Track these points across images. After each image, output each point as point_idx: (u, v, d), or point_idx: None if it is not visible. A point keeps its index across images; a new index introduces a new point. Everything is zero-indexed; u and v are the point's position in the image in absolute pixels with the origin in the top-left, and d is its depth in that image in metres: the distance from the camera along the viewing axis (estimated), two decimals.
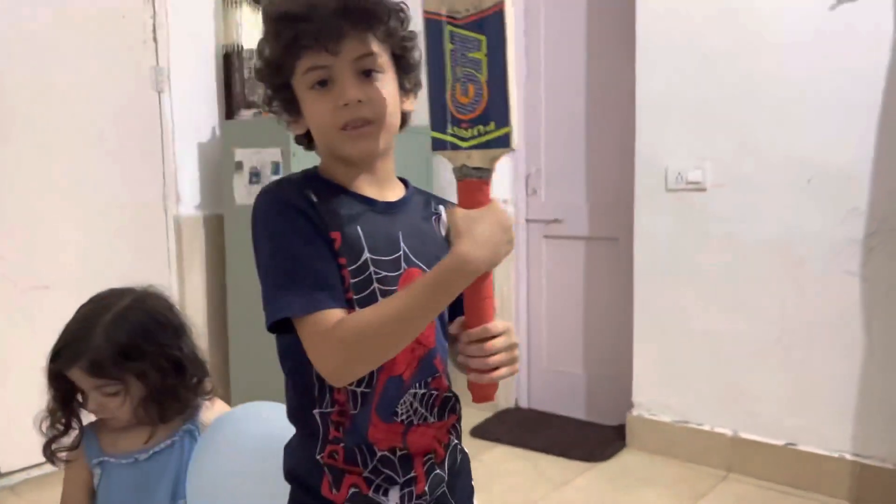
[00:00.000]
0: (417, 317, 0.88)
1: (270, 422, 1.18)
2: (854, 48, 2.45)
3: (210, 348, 3.33)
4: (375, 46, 0.94)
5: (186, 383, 1.27)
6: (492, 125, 0.88)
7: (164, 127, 3.15)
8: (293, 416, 1.01)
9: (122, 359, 1.19)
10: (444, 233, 0.93)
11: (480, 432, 3.20)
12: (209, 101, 3.31)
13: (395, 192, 1.03)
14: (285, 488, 1.00)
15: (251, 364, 3.15)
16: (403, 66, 0.99)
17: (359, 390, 0.95)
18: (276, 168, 2.90)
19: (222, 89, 3.33)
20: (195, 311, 3.27)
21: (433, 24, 0.88)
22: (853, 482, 2.53)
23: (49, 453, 1.24)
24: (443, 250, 0.88)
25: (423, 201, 1.06)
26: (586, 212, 3.32)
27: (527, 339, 3.52)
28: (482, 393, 0.93)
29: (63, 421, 1.24)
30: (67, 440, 1.25)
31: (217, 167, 3.26)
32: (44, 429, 1.24)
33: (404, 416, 0.97)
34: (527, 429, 3.23)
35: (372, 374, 0.95)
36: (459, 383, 1.00)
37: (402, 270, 0.97)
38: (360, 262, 0.94)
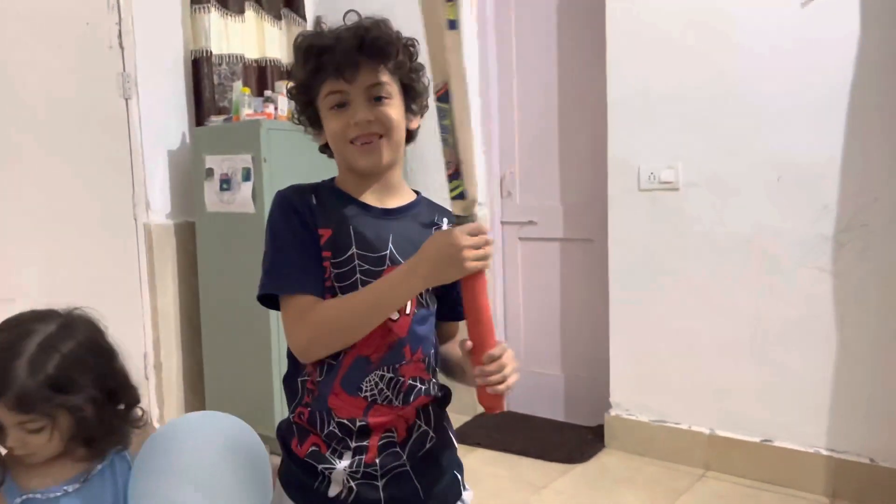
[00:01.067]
0: (377, 310, 1.05)
1: (204, 434, 1.17)
2: (822, 47, 2.47)
3: (183, 356, 3.28)
4: (385, 77, 1.11)
5: (119, 413, 1.17)
6: (461, 180, 1.08)
7: (133, 134, 3.09)
8: (285, 382, 1.19)
9: (52, 392, 1.06)
10: None
11: (459, 437, 3.14)
12: (178, 107, 3.25)
13: (398, 201, 1.18)
14: (232, 496, 1.10)
15: (225, 371, 3.11)
16: (410, 92, 1.16)
17: (326, 362, 1.11)
18: (246, 174, 2.86)
19: (192, 95, 3.28)
20: (167, 319, 3.22)
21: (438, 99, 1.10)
22: (829, 477, 2.55)
23: None
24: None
25: (428, 212, 1.21)
26: (561, 213, 3.32)
27: (504, 342, 3.50)
28: (497, 403, 1.06)
29: None
30: None
31: (187, 174, 3.21)
32: None
33: (368, 394, 1.10)
34: (506, 432, 3.22)
35: (349, 348, 1.09)
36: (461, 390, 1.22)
37: (385, 266, 1.10)
38: (345, 256, 1.10)
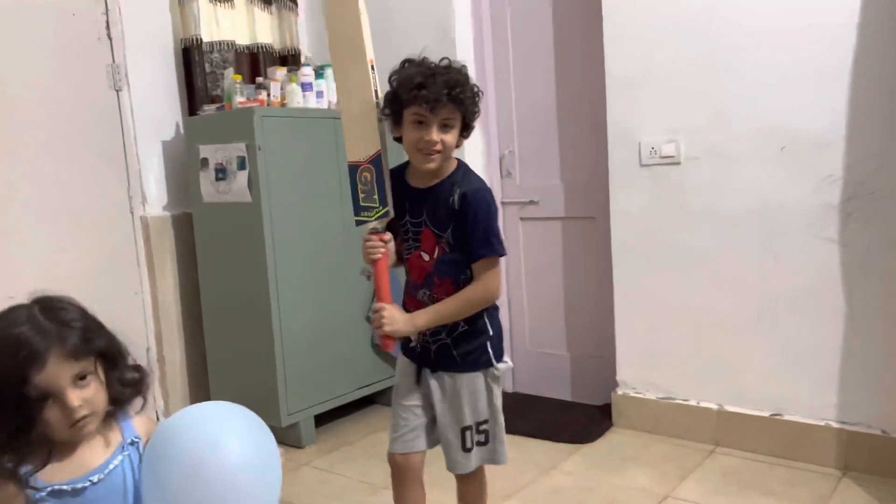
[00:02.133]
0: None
1: (210, 424, 1.18)
2: (822, 14, 2.41)
3: (186, 348, 3.27)
4: (456, 114, 1.66)
5: (129, 367, 1.21)
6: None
7: (125, 126, 3.06)
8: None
9: (86, 336, 1.11)
10: (456, 206, 1.69)
11: None
12: (170, 97, 3.21)
13: (436, 180, 1.73)
14: (237, 485, 1.13)
15: (228, 362, 3.09)
16: (466, 125, 1.70)
17: (405, 281, 1.83)
18: (241, 163, 2.82)
19: (183, 85, 3.24)
20: (169, 313, 3.20)
21: (351, 167, 1.76)
22: (840, 449, 2.53)
23: None
24: (448, 217, 1.70)
25: (450, 188, 1.71)
26: (562, 192, 3.28)
27: (509, 323, 3.49)
28: (383, 343, 1.75)
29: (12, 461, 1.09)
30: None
31: (182, 165, 3.17)
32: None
33: (422, 299, 1.77)
34: (513, 413, 3.16)
35: (408, 274, 1.81)
36: None
37: (423, 228, 1.74)
38: (403, 221, 1.77)
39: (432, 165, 1.67)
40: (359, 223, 1.77)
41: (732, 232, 2.67)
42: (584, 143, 3.18)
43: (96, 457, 1.16)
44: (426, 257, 1.74)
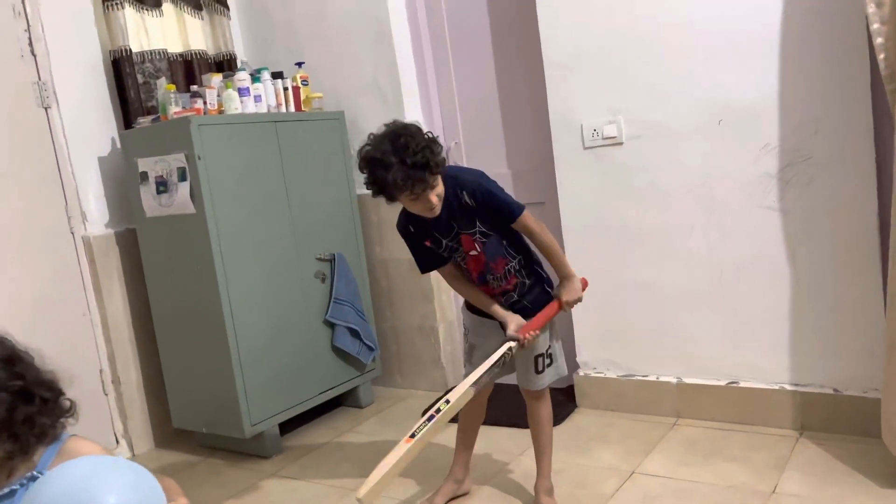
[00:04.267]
0: None
1: (93, 487, 1.07)
2: None
3: (142, 366, 3.20)
4: (432, 176, 1.93)
5: (40, 408, 1.20)
6: None
7: (58, 144, 2.96)
8: None
9: None
10: (472, 203, 2.03)
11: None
12: (103, 111, 3.12)
13: (440, 207, 2.03)
14: None
15: (186, 376, 3.03)
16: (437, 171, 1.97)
17: (470, 277, 2.21)
18: (182, 174, 2.76)
19: (116, 98, 3.15)
20: (120, 332, 3.12)
21: None
22: (796, 411, 2.60)
23: None
24: (468, 214, 2.05)
25: (454, 194, 2.03)
26: (510, 179, 3.29)
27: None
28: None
29: None
30: None
31: (121, 180, 3.09)
32: None
33: (491, 283, 2.17)
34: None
35: (470, 276, 2.19)
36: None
37: (459, 237, 2.09)
38: (443, 245, 2.12)
39: (437, 213, 2.01)
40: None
41: (678, 206, 2.71)
42: (528, 129, 3.19)
43: (5, 480, 1.19)
44: (475, 253, 2.11)
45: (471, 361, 2.29)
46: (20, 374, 1.19)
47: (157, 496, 1.13)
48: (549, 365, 2.26)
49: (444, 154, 1.96)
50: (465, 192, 2.02)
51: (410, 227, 2.13)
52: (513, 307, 2.18)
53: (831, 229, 2.45)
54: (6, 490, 1.19)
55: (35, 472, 1.20)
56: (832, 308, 2.50)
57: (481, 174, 2.09)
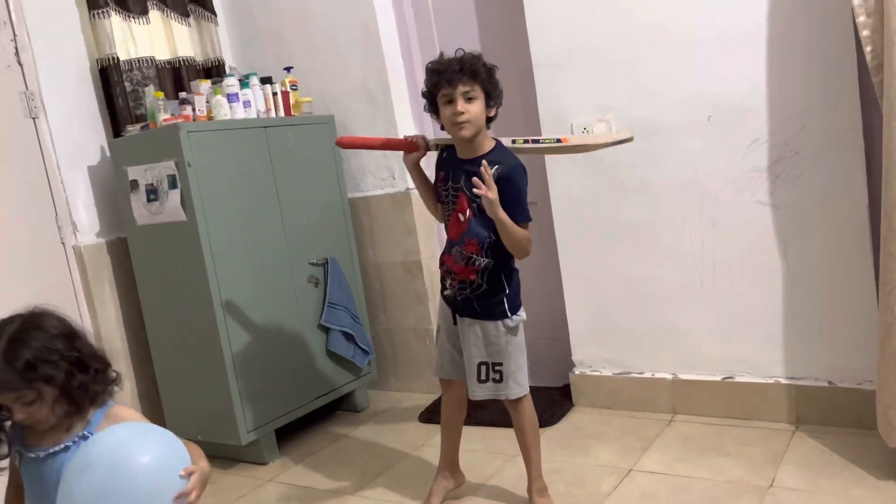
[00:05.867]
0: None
1: (135, 452, 1.33)
2: None
3: (136, 376, 3.17)
4: (475, 87, 2.05)
5: (92, 377, 1.43)
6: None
7: (46, 155, 2.94)
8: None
9: (28, 371, 1.35)
10: (487, 176, 1.99)
11: (428, 416, 3.16)
12: (92, 120, 3.10)
13: (476, 153, 2.11)
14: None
15: (180, 385, 3.02)
16: (489, 95, 2.09)
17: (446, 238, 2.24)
18: (172, 181, 2.75)
19: (104, 106, 3.13)
20: (113, 342, 3.10)
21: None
22: (791, 404, 2.60)
23: None
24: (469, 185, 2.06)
25: (493, 160, 2.06)
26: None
27: None
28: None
29: None
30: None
31: (111, 189, 3.08)
32: None
33: (455, 255, 2.16)
34: (474, 405, 3.18)
35: (447, 232, 2.20)
36: None
37: (459, 192, 2.13)
38: (447, 185, 2.17)
39: (465, 133, 2.04)
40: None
41: (669, 203, 2.72)
42: (518, 128, 3.18)
43: (56, 438, 1.44)
44: (461, 217, 2.13)
45: (442, 366, 2.33)
46: (78, 348, 1.42)
47: (183, 459, 1.37)
48: (498, 382, 2.21)
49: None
50: (500, 166, 2.05)
51: (445, 152, 2.23)
52: (460, 293, 2.18)
53: (822, 222, 2.46)
54: (62, 446, 1.43)
55: (86, 432, 1.43)
56: (825, 300, 2.50)
57: (523, 166, 2.13)
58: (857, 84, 2.32)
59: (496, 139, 2.17)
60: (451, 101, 2.03)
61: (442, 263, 2.25)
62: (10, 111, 2.87)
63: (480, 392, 2.22)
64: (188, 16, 3.44)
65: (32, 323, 1.42)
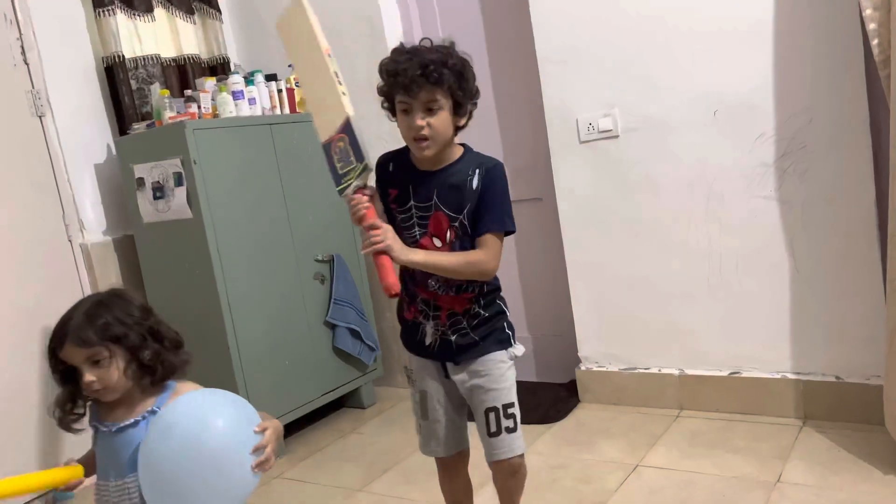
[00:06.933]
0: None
1: (212, 411, 1.38)
2: None
3: None
4: (438, 94, 1.59)
5: (165, 349, 1.46)
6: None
7: (53, 153, 2.96)
8: (401, 279, 1.75)
9: (104, 331, 1.38)
10: (474, 186, 1.65)
11: None
12: (97, 118, 3.11)
13: (444, 163, 1.68)
14: (218, 473, 1.34)
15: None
16: (456, 103, 1.62)
17: (412, 269, 1.71)
18: (178, 179, 2.75)
19: (110, 104, 3.14)
20: None
21: (325, 147, 1.73)
22: (799, 399, 2.59)
23: (65, 425, 1.46)
24: (464, 199, 1.65)
25: (464, 168, 1.67)
26: (507, 175, 3.27)
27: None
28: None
29: (69, 403, 1.45)
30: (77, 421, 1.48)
31: (117, 187, 3.09)
32: (56, 415, 1.46)
33: (434, 288, 1.73)
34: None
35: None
36: None
37: (432, 212, 1.67)
38: (407, 206, 1.70)
39: (427, 153, 1.62)
40: (342, 192, 1.67)
41: (676, 199, 2.71)
42: (524, 125, 3.19)
43: (127, 414, 1.44)
44: (438, 242, 1.68)
45: (427, 417, 1.86)
46: (155, 322, 1.47)
47: (253, 418, 1.41)
48: (513, 430, 1.77)
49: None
50: (477, 170, 1.65)
51: (392, 163, 1.76)
52: (452, 329, 1.74)
53: (830, 217, 2.45)
54: (132, 420, 1.42)
55: (154, 407, 1.43)
56: (833, 295, 2.49)
57: (503, 165, 1.71)
58: (864, 78, 2.31)
59: (464, 145, 1.74)
60: (409, 112, 1.60)
61: (409, 303, 1.78)
62: (17, 110, 2.88)
63: (500, 449, 1.77)
64: (193, 13, 3.45)
65: (116, 293, 1.48)
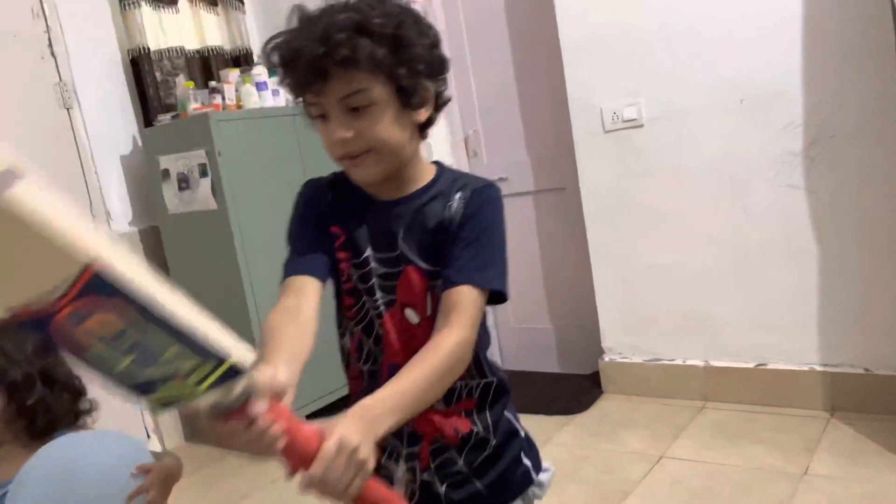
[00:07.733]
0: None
1: (76, 452, 1.20)
2: None
3: None
4: (364, 82, 0.94)
5: (57, 396, 1.26)
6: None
7: (80, 144, 3.00)
8: (346, 370, 1.17)
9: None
10: (458, 219, 1.03)
11: None
12: (124, 110, 3.15)
13: (411, 188, 1.07)
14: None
15: None
16: (401, 88, 0.97)
17: (365, 368, 1.09)
18: (203, 170, 2.78)
19: (136, 96, 3.18)
20: None
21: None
22: (826, 391, 2.56)
23: None
24: (445, 240, 1.02)
25: (443, 192, 1.06)
26: (529, 165, 3.27)
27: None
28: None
29: None
30: None
31: (144, 178, 3.12)
32: None
33: None
34: None
35: (376, 356, 1.07)
36: None
37: (401, 268, 1.04)
38: (361, 259, 1.06)
39: (367, 176, 1.02)
40: (158, 407, 0.72)
41: (701, 188, 2.68)
42: (547, 114, 3.17)
43: (2, 474, 1.24)
44: (415, 318, 1.05)
45: None
46: (49, 362, 1.24)
47: (135, 459, 1.22)
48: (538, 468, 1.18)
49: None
50: (463, 193, 1.05)
51: (331, 191, 1.13)
52: (441, 473, 1.08)
53: (858, 206, 2.41)
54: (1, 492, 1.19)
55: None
56: (861, 286, 2.46)
57: (500, 190, 1.14)
58: (894, 64, 2.26)
59: (437, 162, 1.13)
60: (326, 118, 0.99)
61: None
62: (45, 102, 2.93)
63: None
64: (216, 5, 3.47)
65: (13, 325, 1.32)
